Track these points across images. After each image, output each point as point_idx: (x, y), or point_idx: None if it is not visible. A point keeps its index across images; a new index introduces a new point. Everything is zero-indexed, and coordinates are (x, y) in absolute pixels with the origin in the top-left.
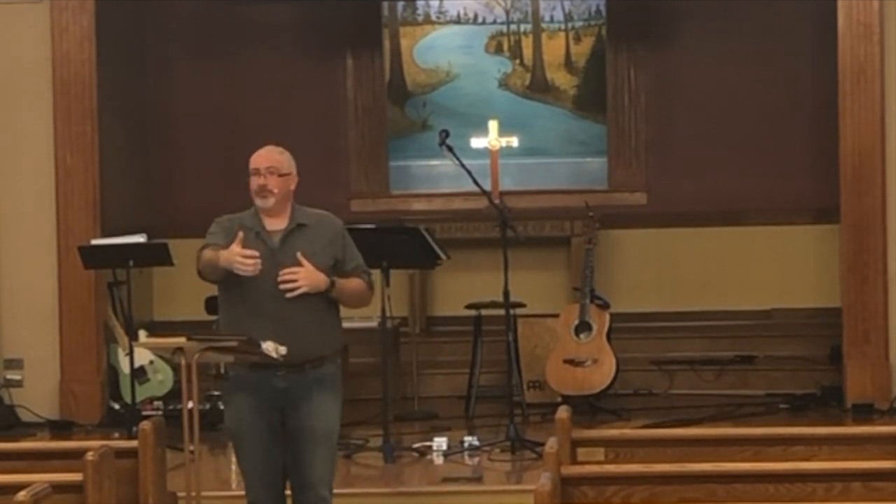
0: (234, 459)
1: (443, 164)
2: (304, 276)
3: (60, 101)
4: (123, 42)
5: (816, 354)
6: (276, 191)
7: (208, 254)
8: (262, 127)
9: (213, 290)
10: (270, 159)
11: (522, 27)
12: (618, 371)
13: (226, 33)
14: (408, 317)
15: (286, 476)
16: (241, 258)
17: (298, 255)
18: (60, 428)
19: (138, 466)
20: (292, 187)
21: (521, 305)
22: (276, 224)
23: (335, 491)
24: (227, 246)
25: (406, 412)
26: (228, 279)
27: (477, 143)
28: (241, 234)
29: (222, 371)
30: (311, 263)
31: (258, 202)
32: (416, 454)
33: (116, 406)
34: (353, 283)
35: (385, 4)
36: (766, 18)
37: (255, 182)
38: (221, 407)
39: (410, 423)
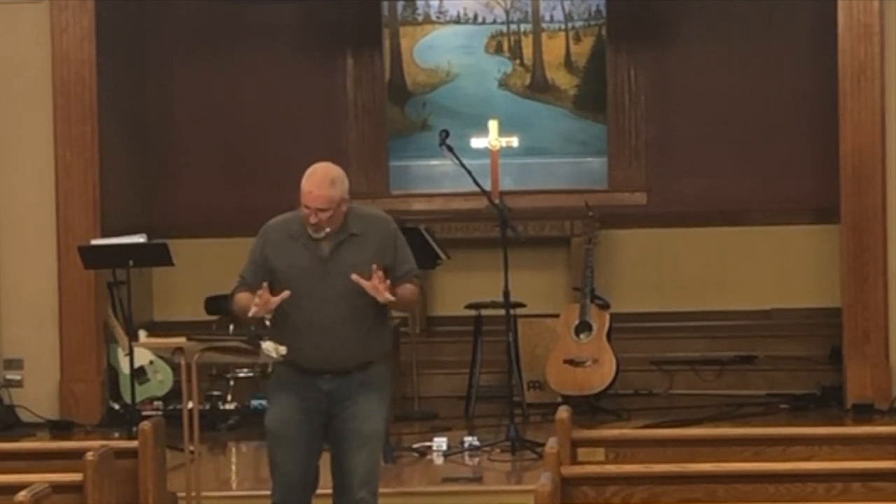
0: (234, 460)
1: (443, 164)
2: (385, 287)
3: (60, 101)
4: (123, 42)
5: (816, 354)
6: (328, 227)
7: (242, 300)
8: (262, 127)
9: (213, 290)
10: (321, 199)
11: (522, 27)
12: (618, 371)
13: (226, 33)
14: (408, 317)
15: (317, 479)
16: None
17: (354, 277)
18: (60, 428)
19: (138, 466)
20: (344, 209)
21: (521, 305)
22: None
23: None
24: (257, 283)
25: (406, 412)
26: (281, 288)
27: (477, 143)
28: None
29: (269, 369)
30: (361, 273)
31: (311, 232)
32: (416, 454)
33: (116, 406)
34: (407, 292)
35: (385, 4)
36: (766, 18)
37: (306, 214)
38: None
39: (410, 423)
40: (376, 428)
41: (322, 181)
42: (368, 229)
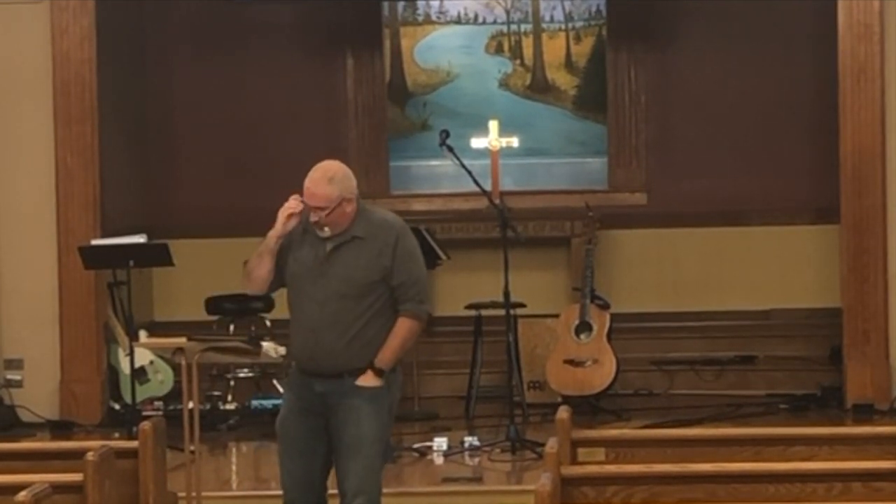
0: (234, 460)
1: (443, 165)
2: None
3: (60, 101)
4: (123, 42)
5: (816, 354)
6: (328, 226)
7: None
8: (263, 127)
9: (213, 290)
10: (318, 197)
11: (522, 27)
12: (618, 371)
13: (226, 33)
14: None
15: (326, 479)
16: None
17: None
18: (60, 428)
19: (138, 466)
20: (348, 210)
21: (522, 305)
22: (334, 231)
23: None
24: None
25: (406, 412)
26: (289, 286)
27: (477, 143)
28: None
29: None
30: (357, 278)
31: (316, 230)
32: (416, 454)
33: (116, 406)
34: (397, 338)
35: (385, 4)
36: (766, 18)
37: (308, 212)
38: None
39: (410, 423)
40: (368, 435)
41: (320, 179)
42: (372, 233)
